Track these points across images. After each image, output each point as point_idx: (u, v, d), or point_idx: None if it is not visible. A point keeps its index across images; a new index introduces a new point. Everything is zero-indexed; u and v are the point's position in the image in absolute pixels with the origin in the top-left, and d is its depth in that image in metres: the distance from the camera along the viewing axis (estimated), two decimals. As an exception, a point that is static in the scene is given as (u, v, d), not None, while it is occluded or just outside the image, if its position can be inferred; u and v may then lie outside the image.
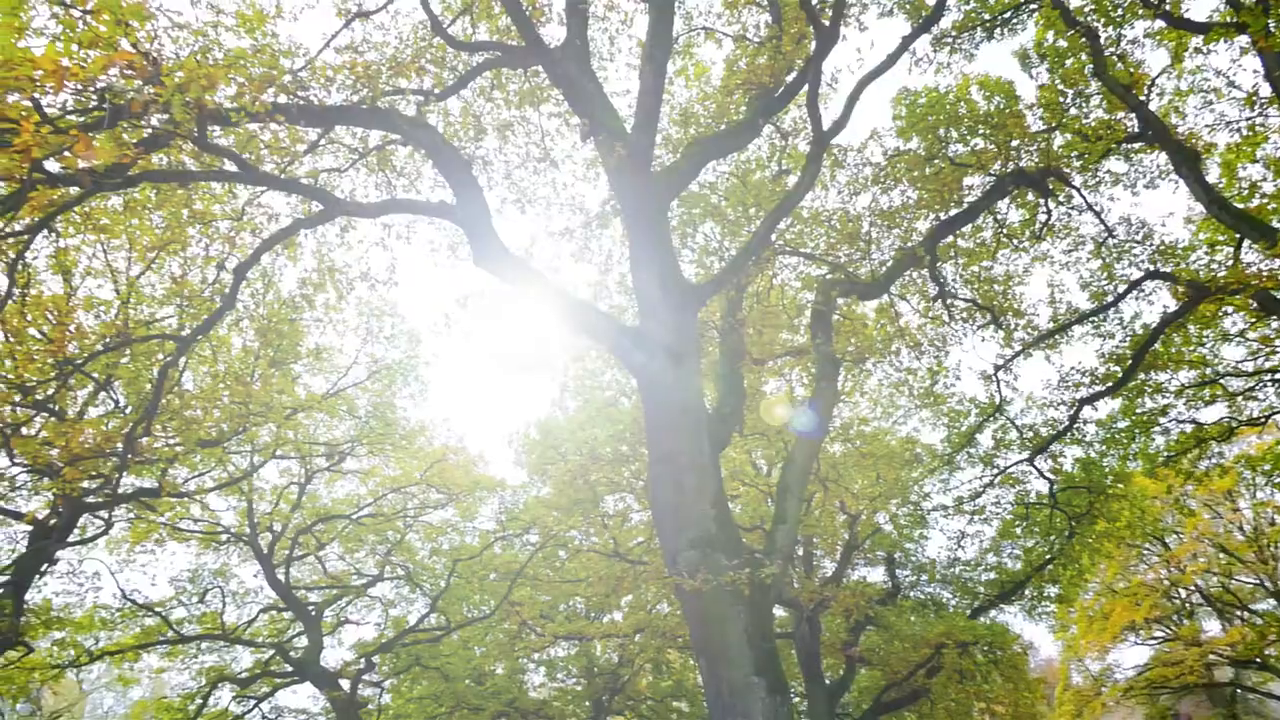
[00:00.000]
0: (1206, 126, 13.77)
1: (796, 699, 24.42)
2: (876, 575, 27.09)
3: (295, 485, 20.89)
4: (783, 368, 18.84)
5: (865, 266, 15.13)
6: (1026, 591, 23.51)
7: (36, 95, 6.14)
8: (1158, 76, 13.62)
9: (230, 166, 8.98)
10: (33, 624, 16.03)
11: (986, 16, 13.84)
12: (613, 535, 21.03)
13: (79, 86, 6.48)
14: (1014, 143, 13.98)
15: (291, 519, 20.78)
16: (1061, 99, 13.99)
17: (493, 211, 10.00)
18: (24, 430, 12.99)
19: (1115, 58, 13.35)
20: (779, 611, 24.73)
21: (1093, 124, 13.83)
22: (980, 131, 14.26)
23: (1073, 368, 16.44)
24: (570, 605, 26.65)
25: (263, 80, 7.97)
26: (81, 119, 6.95)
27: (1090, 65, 13.28)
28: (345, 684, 20.81)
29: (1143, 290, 15.03)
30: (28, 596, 15.33)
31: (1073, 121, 13.99)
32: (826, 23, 10.46)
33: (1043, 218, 15.08)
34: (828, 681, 23.67)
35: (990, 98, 14.31)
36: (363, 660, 22.11)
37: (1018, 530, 21.99)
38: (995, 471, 19.80)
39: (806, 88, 11.13)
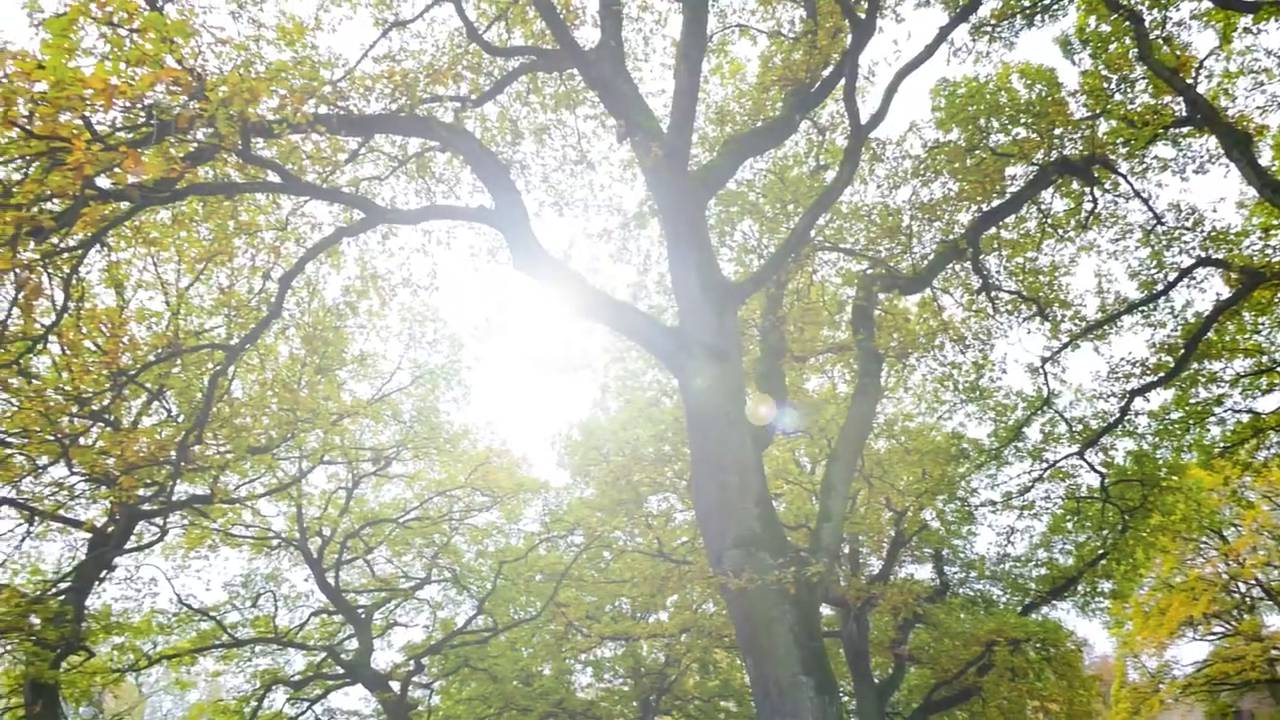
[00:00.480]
0: (1258, 108, 13.39)
1: (845, 698, 24.23)
2: (924, 572, 26.81)
3: (343, 490, 21.18)
4: (824, 364, 18.70)
5: (906, 261, 14.96)
6: (1079, 587, 23.11)
7: (87, 114, 6.30)
8: (1205, 59, 13.28)
9: (274, 177, 9.13)
10: (93, 629, 16.44)
11: (1026, 3, 13.60)
12: (657, 535, 21.03)
13: (127, 104, 6.63)
14: (1057, 131, 13.73)
15: (340, 523, 21.08)
16: (1105, 85, 13.70)
17: (531, 215, 10.05)
18: (81, 440, 13.33)
19: (1160, 40, 13.05)
20: (826, 610, 24.55)
21: (1138, 109, 13.53)
22: (1022, 120, 14.02)
23: (1123, 358, 16.14)
24: (616, 606, 26.71)
25: (304, 92, 8.10)
26: (130, 135, 7.11)
27: (1134, 49, 12.99)
28: (395, 685, 21.06)
29: (1194, 278, 14.70)
30: (88, 602, 15.75)
31: (1118, 107, 13.70)
32: (862, 15, 10.36)
33: (1088, 206, 14.79)
34: (876, 680, 23.44)
35: (1031, 86, 14.06)
36: (412, 662, 22.36)
37: (1069, 525, 21.63)
38: (1044, 465, 19.50)
39: (843, 82, 11.02)
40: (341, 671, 21.36)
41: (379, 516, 22.07)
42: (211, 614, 20.62)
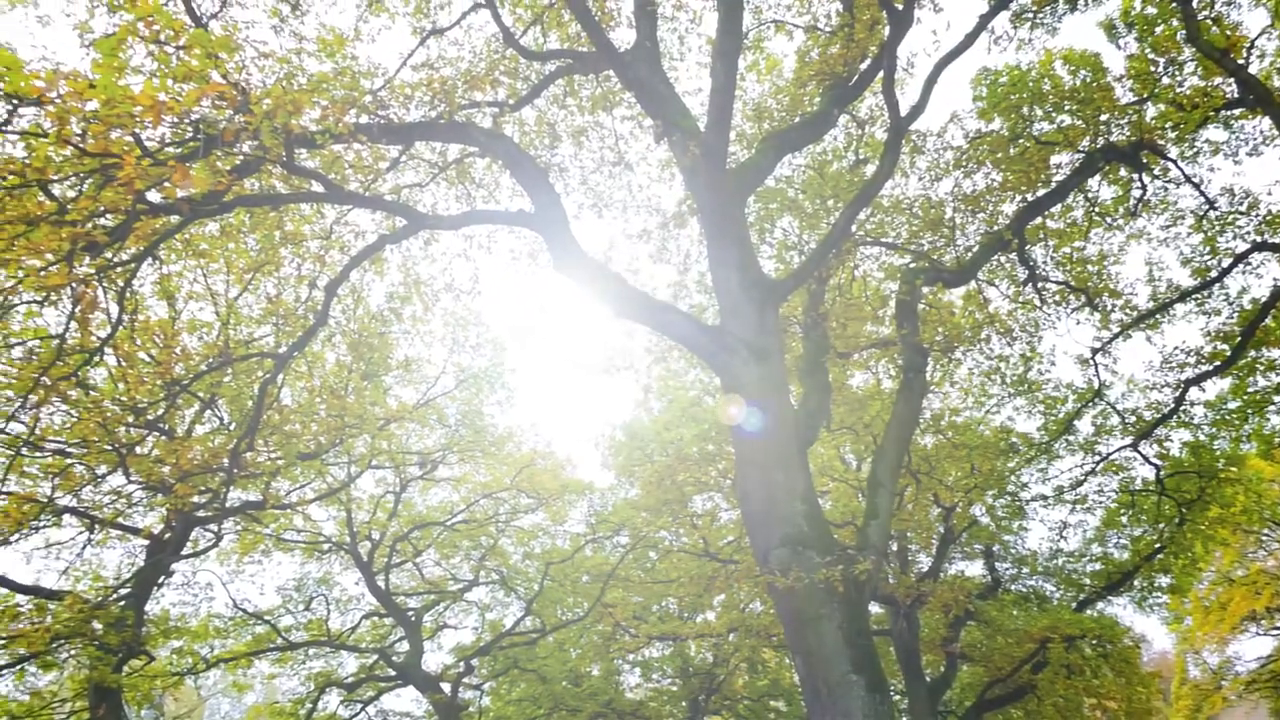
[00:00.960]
0: (1314, 88, 13.00)
1: (897, 697, 23.96)
2: (975, 569, 26.43)
3: (391, 494, 21.44)
4: (868, 360, 18.52)
5: (950, 253, 14.77)
6: (1136, 582, 22.61)
7: (137, 130, 6.45)
8: (1257, 38, 12.90)
9: (318, 187, 9.28)
10: (153, 634, 16.82)
11: (1068, -12, 13.35)
12: (702, 535, 20.98)
13: (175, 119, 6.78)
14: (1103, 117, 13.44)
15: (389, 527, 21.34)
16: (1152, 68, 13.39)
17: (570, 217, 10.09)
18: (138, 449, 13.66)
19: (1209, 21, 12.71)
20: (875, 608, 24.33)
21: (1187, 92, 13.20)
22: (1066, 107, 13.76)
23: (1176, 348, 15.76)
24: (663, 606, 26.70)
25: (345, 102, 8.22)
26: (178, 150, 7.26)
27: (1182, 31, 12.67)
28: (446, 687, 21.26)
29: (1249, 263, 14.33)
30: (148, 607, 16.13)
31: (1165, 91, 13.38)
32: (900, 6, 10.24)
33: (1137, 193, 14.47)
34: (928, 678, 23.16)
35: (1075, 72, 13.79)
36: (462, 663, 22.57)
37: (1123, 519, 21.20)
38: (1097, 459, 19.13)
39: (882, 74, 10.91)
40: (393, 673, 21.62)
41: (427, 520, 22.30)
42: (266, 618, 21.00)
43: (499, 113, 12.11)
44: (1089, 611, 22.22)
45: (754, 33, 14.20)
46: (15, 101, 5.85)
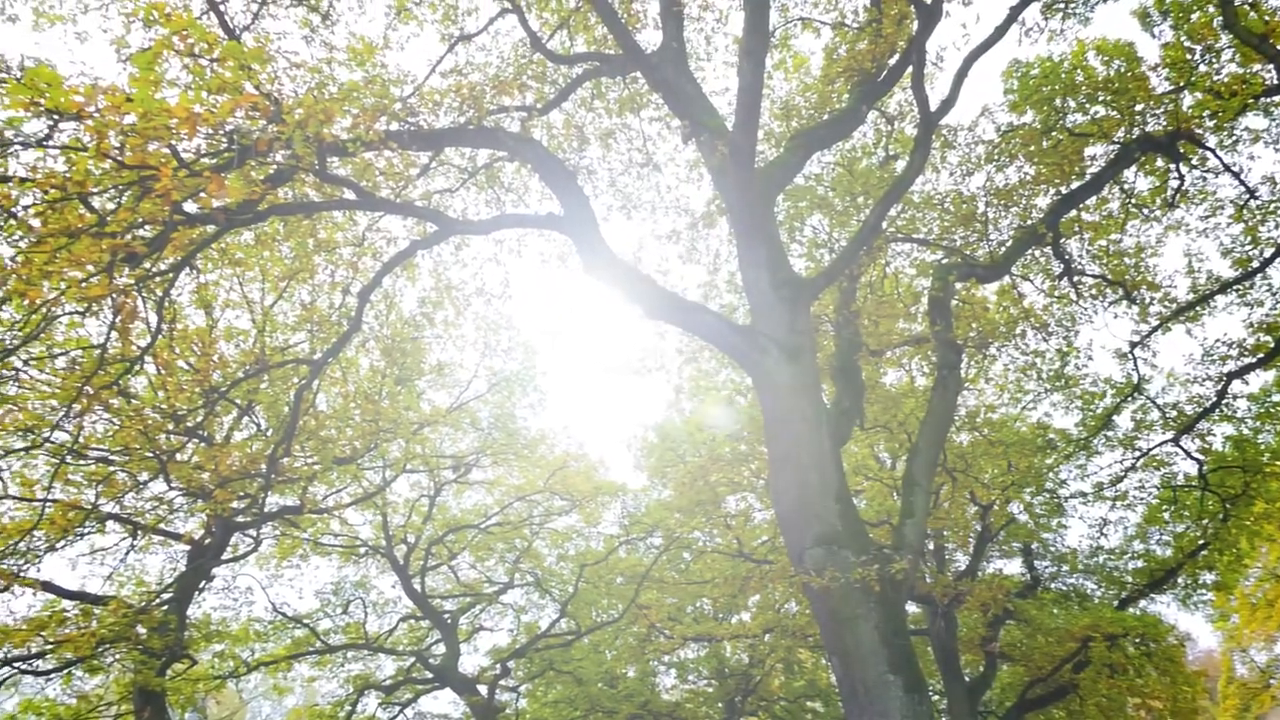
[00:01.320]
0: (1357, 72, 12.70)
1: (935, 697, 23.73)
2: (1013, 567, 26.09)
3: (426, 498, 21.61)
4: (901, 357, 18.39)
5: (983, 248, 14.61)
6: (1179, 580, 22.21)
7: (173, 142, 6.56)
8: (1296, 22, 12.65)
9: (350, 195, 9.38)
10: (195, 637, 17.09)
11: (1100, -23, 13.15)
12: (736, 535, 20.92)
13: (210, 131, 6.89)
14: (1138, 107, 13.22)
15: (424, 530, 21.50)
16: (1188, 56, 13.14)
17: (599, 219, 10.11)
18: (178, 456, 13.89)
19: (1246, 6, 12.47)
20: (911, 608, 24.10)
21: (1225, 80, 12.94)
22: (1100, 98, 13.54)
23: (1218, 340, 15.49)
24: (698, 607, 26.66)
25: (375, 110, 8.30)
26: (213, 161, 7.38)
27: (1219, 17, 12.43)
28: (483, 689, 21.39)
29: (1292, 252, 14.02)
30: (189, 612, 16.39)
31: (1202, 79, 13.13)
32: (928, 0, 10.16)
33: (1174, 183, 14.21)
34: (967, 678, 22.91)
35: (1109, 62, 13.57)
36: (498, 666, 22.69)
37: (1165, 515, 20.83)
38: (1137, 454, 18.82)
39: (911, 69, 10.82)
40: (430, 676, 21.78)
41: (461, 523, 22.45)
42: (305, 621, 21.24)
43: (527, 117, 12.17)
44: (1131, 609, 21.84)
45: (781, 31, 14.14)
46: (56, 117, 5.97)
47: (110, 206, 6.97)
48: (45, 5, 10.93)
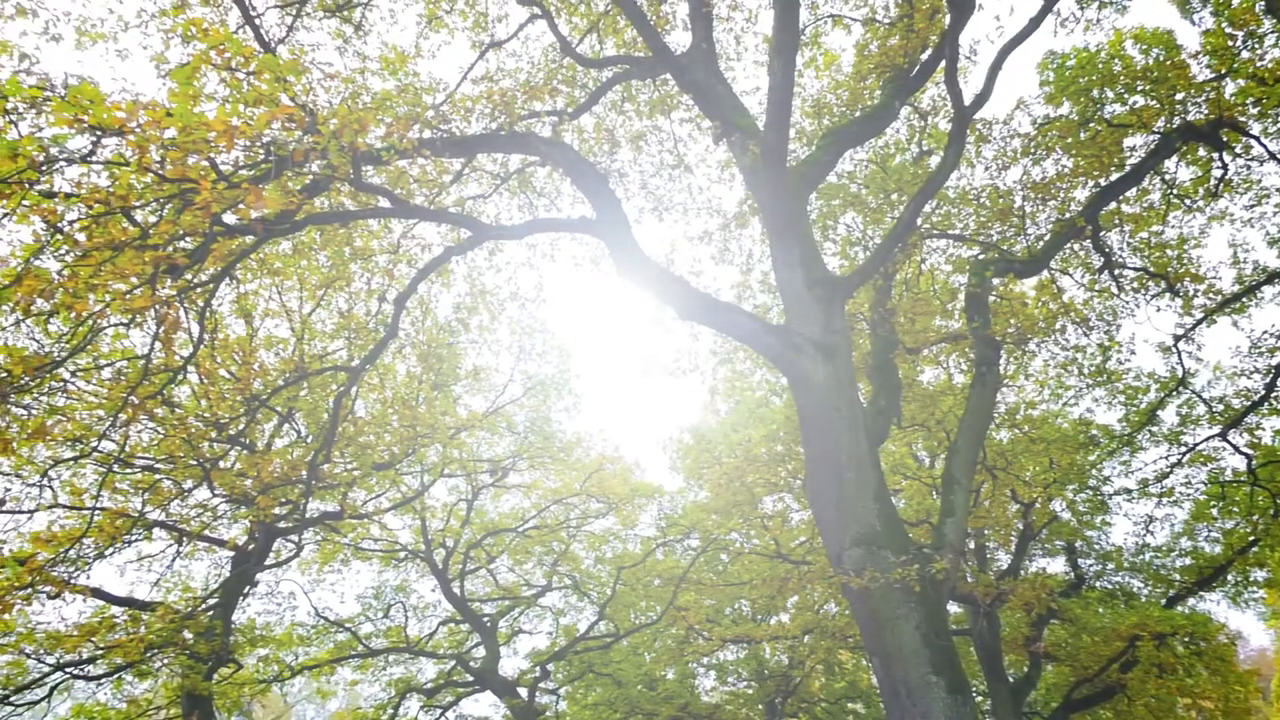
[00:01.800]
0: (1405, 54, 12.37)
1: (979, 698, 23.43)
2: (1057, 566, 25.71)
3: (464, 502, 21.76)
4: (939, 355, 18.19)
5: (1021, 243, 14.41)
6: (1229, 577, 21.70)
7: (212, 155, 6.67)
8: (1342, 5, 12.34)
9: (384, 203, 9.48)
10: (240, 642, 17.34)
11: (1136, -35, 12.93)
12: (774, 536, 20.83)
13: (247, 143, 6.99)
14: (1178, 96, 12.97)
15: (462, 534, 21.65)
16: (1230, 43, 12.87)
17: (631, 222, 10.12)
18: (221, 464, 14.12)
19: (1289, -10, 12.19)
20: (953, 608, 23.83)
21: (1269, 65, 12.65)
22: (1139, 88, 13.31)
23: (1265, 331, 15.14)
24: (736, 608, 26.58)
25: (408, 118, 8.37)
26: (251, 172, 7.49)
27: (1261, 1, 12.17)
28: (523, 692, 21.48)
29: (1342, 240, 13.70)
30: (234, 617, 16.64)
31: (1245, 66, 12.85)
32: (960, -6, 10.05)
33: (1218, 173, 13.92)
34: (1011, 679, 22.60)
35: (1147, 51, 13.34)
36: (538, 668, 22.77)
37: (1214, 511, 20.39)
38: (1183, 449, 18.47)
39: (944, 64, 10.71)
40: (471, 679, 21.91)
41: (499, 526, 22.58)
42: (347, 625, 21.48)
43: (558, 121, 12.21)
44: (1180, 608, 21.39)
45: (811, 28, 14.07)
46: (98, 133, 6.10)
47: (152, 220, 7.10)
48: (87, 24, 11.18)
